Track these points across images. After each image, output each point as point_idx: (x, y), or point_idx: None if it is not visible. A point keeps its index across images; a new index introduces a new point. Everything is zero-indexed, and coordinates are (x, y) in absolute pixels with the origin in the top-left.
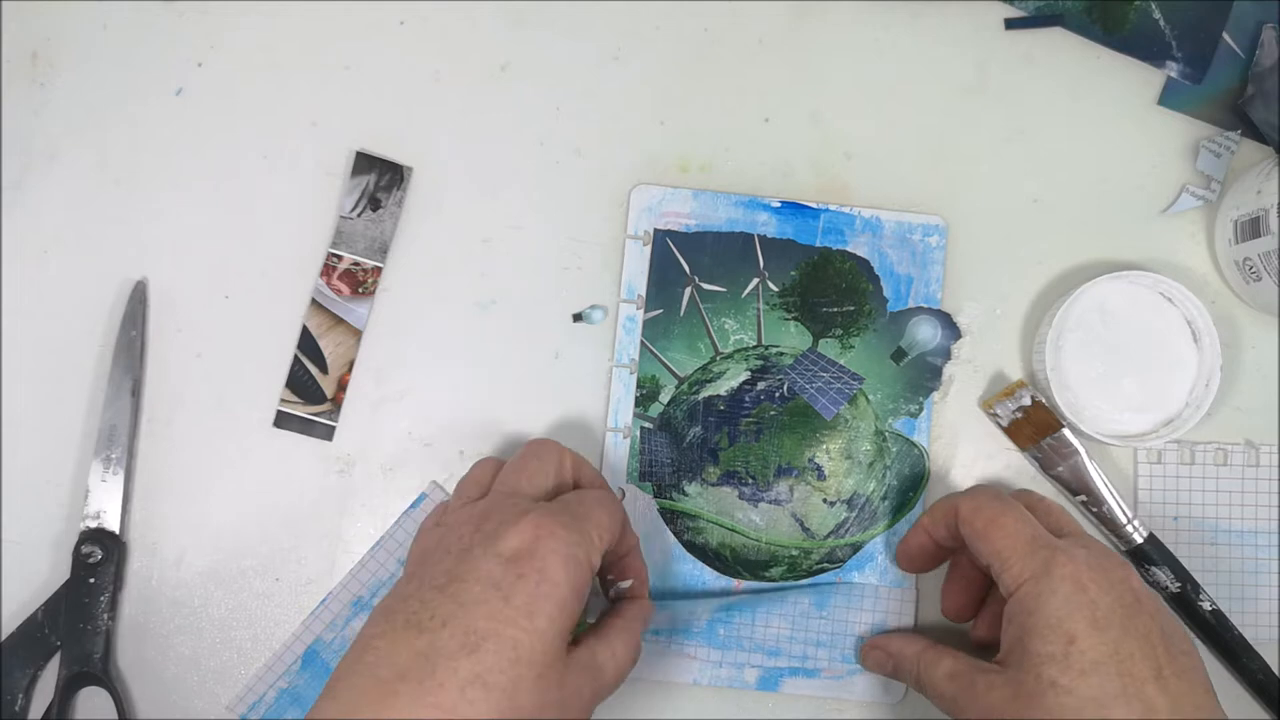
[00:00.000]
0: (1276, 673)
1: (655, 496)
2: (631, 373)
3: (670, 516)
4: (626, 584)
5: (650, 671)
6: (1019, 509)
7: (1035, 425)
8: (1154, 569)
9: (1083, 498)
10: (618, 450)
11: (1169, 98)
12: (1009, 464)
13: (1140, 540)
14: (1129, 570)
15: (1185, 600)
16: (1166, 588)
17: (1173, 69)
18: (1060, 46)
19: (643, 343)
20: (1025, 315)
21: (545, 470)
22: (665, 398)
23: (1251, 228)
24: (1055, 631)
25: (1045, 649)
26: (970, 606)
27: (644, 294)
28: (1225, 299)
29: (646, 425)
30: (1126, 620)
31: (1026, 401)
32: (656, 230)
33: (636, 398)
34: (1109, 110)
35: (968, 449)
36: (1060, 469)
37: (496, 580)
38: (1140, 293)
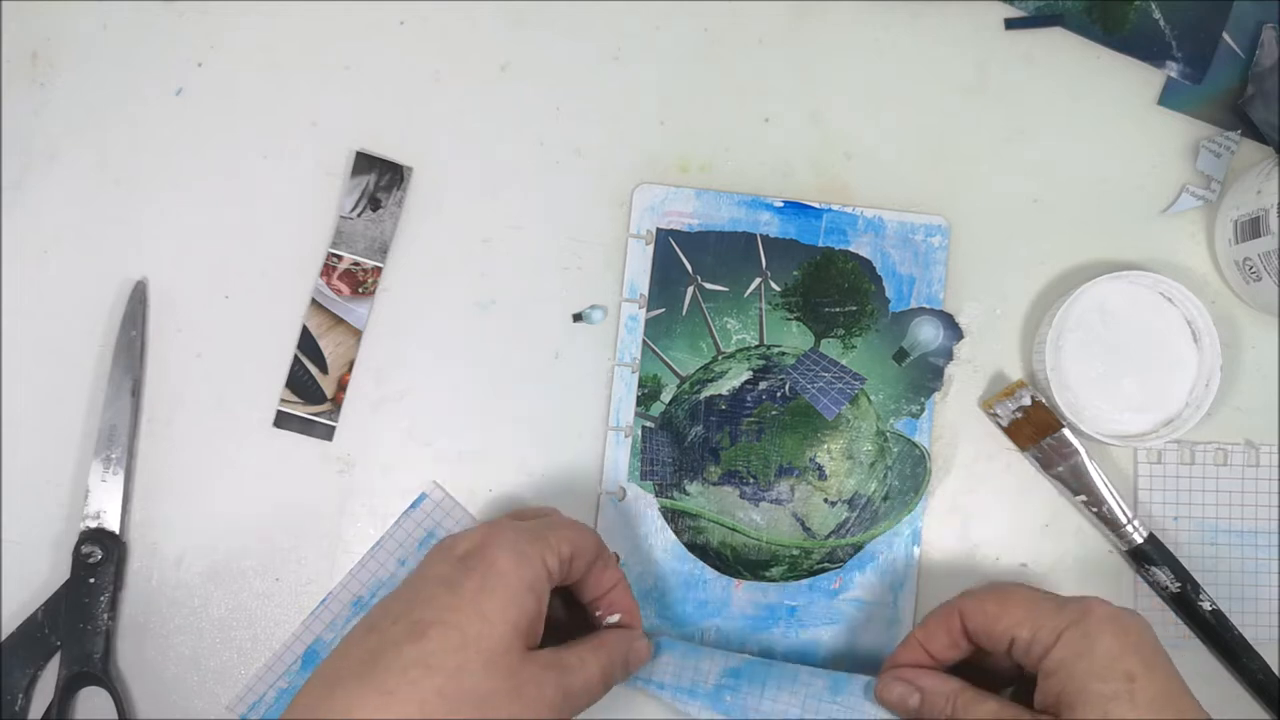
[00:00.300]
0: (1276, 673)
1: (656, 496)
2: (633, 372)
3: (671, 516)
4: (615, 618)
5: (651, 713)
6: (1022, 584)
7: (1035, 425)
8: (1154, 569)
9: (1083, 498)
10: (619, 449)
11: (1169, 98)
12: (1009, 464)
13: (1140, 540)
14: (1142, 617)
15: (1185, 600)
16: (1166, 588)
17: (1173, 69)
18: (1060, 46)
19: (645, 342)
20: (1025, 315)
21: (526, 513)
22: (667, 397)
23: (1251, 228)
24: (1113, 670)
25: (1108, 688)
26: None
27: (646, 293)
28: (1225, 299)
29: (648, 424)
30: (1162, 661)
31: (1026, 401)
32: (659, 229)
33: (638, 397)
34: (1109, 110)
35: (968, 449)
36: (1060, 469)
37: (446, 577)
38: (1140, 293)
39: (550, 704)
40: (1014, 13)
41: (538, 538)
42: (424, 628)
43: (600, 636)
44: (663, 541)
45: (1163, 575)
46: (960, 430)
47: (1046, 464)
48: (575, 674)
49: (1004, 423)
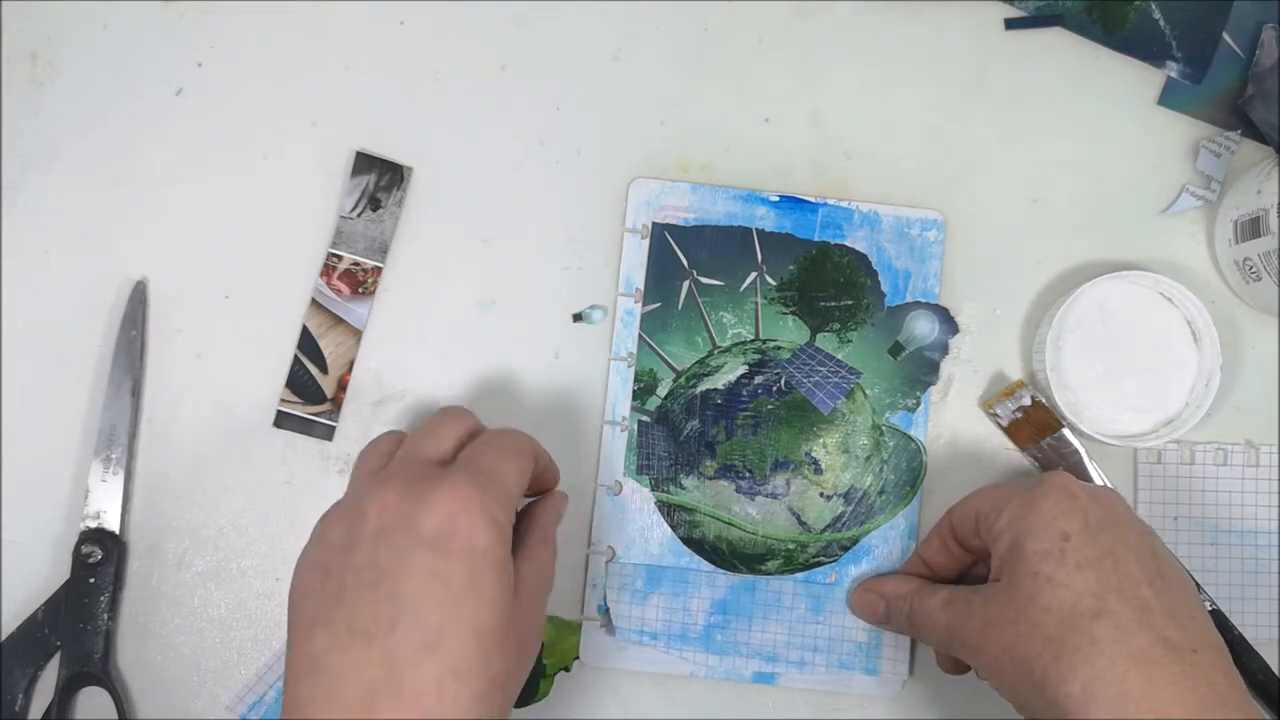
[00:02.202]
0: (1276, 673)
1: (652, 490)
2: (629, 366)
3: (667, 510)
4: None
5: (646, 664)
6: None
7: (1035, 425)
8: None
9: None
10: (615, 443)
11: (1169, 98)
12: (1009, 464)
13: None
14: (1120, 497)
15: None
16: None
17: (1173, 69)
18: (1060, 46)
19: (640, 336)
20: (1025, 315)
21: (452, 431)
22: (663, 391)
23: (1251, 228)
24: (1049, 530)
25: (1039, 546)
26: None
27: (642, 287)
28: (1225, 299)
29: (644, 419)
30: (1118, 529)
31: (1026, 401)
32: (655, 224)
33: (634, 391)
34: (1109, 110)
35: (967, 449)
36: (1060, 469)
37: (430, 567)
38: (1140, 293)
39: (539, 619)
40: (1014, 13)
41: (501, 494)
42: (437, 636)
43: (538, 524)
44: (659, 535)
45: None
46: (960, 430)
47: (1046, 464)
48: (536, 585)
49: (1004, 423)
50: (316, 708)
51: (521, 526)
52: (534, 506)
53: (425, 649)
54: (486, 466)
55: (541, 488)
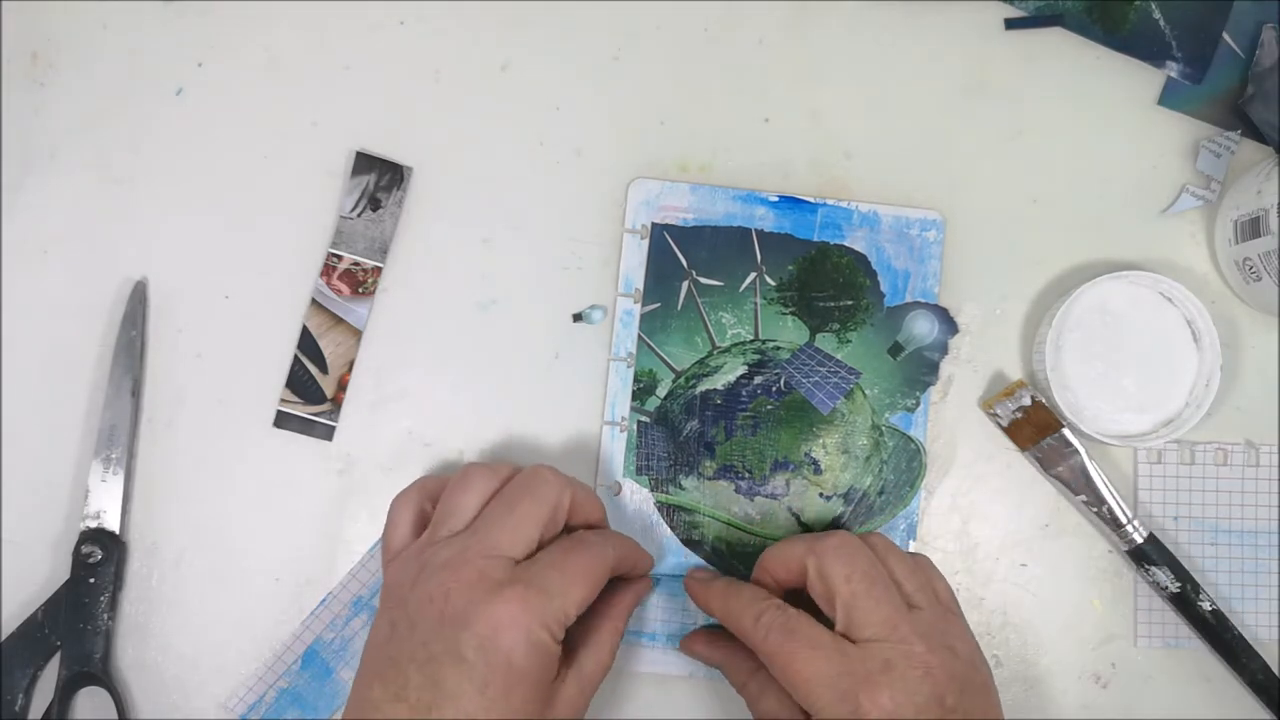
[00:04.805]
0: (1276, 673)
1: (652, 490)
2: (629, 366)
3: (667, 510)
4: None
5: (645, 665)
6: (816, 633)
7: (1035, 425)
8: (1154, 569)
9: (1083, 498)
10: (614, 444)
11: (1169, 98)
12: (1009, 464)
13: (1140, 540)
14: (952, 654)
15: (1185, 600)
16: (1166, 588)
17: (1173, 69)
18: (1060, 46)
19: (640, 336)
20: (1025, 315)
21: (537, 516)
22: (662, 391)
23: (1251, 228)
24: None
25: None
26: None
27: (641, 287)
28: (1225, 299)
29: (643, 419)
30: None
31: (1026, 401)
32: (654, 224)
33: (633, 391)
34: (1109, 110)
35: (967, 449)
36: (1060, 469)
37: (471, 670)
38: (1140, 293)
39: (584, 705)
40: (1014, 13)
41: (555, 613)
42: None
43: (611, 605)
44: (659, 536)
45: (1163, 575)
46: (960, 431)
47: (1046, 464)
48: (593, 672)
49: (1004, 423)
50: None
51: (597, 609)
52: (615, 592)
53: None
54: (552, 588)
55: (629, 574)
